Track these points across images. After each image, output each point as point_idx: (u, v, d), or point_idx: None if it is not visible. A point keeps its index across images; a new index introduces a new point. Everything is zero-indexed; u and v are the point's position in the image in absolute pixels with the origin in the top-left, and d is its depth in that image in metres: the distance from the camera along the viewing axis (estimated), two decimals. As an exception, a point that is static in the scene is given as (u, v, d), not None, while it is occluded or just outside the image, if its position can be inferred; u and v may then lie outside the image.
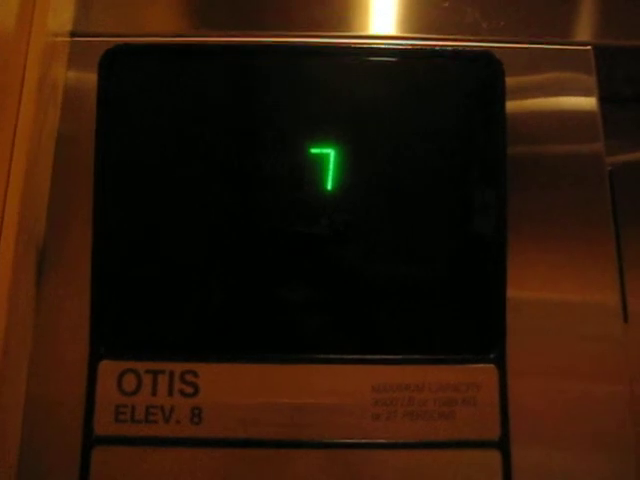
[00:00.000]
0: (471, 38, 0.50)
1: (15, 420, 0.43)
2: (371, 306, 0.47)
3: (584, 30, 0.52)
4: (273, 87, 0.49)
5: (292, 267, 0.47)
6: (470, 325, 0.47)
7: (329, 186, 0.47)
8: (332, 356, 0.45)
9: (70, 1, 0.50)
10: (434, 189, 0.48)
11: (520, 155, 0.48)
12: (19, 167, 0.41)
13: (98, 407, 0.44)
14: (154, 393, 0.44)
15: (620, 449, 0.45)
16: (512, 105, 0.49)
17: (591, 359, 0.46)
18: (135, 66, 0.49)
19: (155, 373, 0.44)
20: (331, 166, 0.47)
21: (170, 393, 0.44)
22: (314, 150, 0.48)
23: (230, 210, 0.47)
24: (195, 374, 0.44)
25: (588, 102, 0.49)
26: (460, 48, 0.50)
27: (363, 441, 0.44)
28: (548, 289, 0.47)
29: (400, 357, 0.45)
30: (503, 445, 0.44)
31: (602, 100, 0.49)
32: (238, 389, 0.44)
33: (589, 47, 0.50)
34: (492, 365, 0.45)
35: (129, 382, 0.44)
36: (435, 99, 0.49)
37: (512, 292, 0.46)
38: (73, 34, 0.49)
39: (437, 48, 0.50)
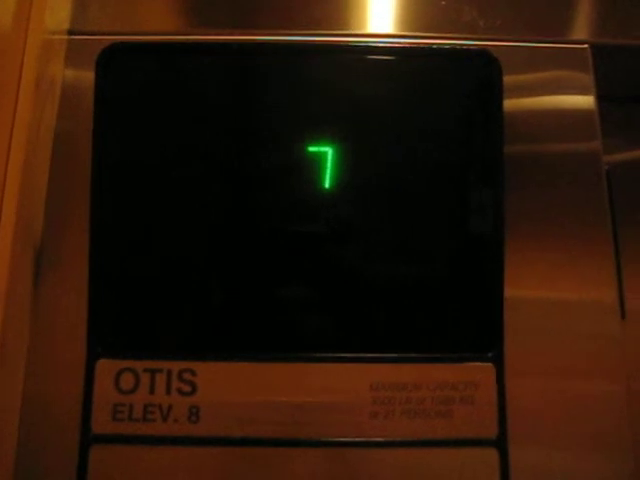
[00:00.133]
0: (468, 36, 0.50)
1: (12, 419, 0.43)
2: (369, 305, 0.47)
3: (581, 28, 0.52)
4: (271, 85, 0.49)
5: (290, 265, 0.47)
6: (468, 324, 0.47)
7: (327, 184, 0.47)
8: (330, 355, 0.45)
9: (67, -1, 0.50)
10: (432, 187, 0.48)
11: (517, 153, 0.48)
12: (16, 165, 0.41)
13: (96, 406, 0.44)
14: (152, 392, 0.44)
15: (617, 447, 0.45)
16: (509, 103, 0.49)
17: (589, 357, 0.46)
18: (132, 64, 0.49)
19: (153, 372, 0.44)
20: (329, 164, 0.47)
21: (168, 392, 0.44)
22: (312, 148, 0.48)
23: (227, 208, 0.47)
24: (193, 373, 0.44)
25: (585, 100, 0.49)
26: (457, 46, 0.50)
27: (361, 439, 0.44)
28: (546, 287, 0.47)
29: (398, 355, 0.45)
30: (501, 443, 0.44)
31: (599, 98, 0.50)
32: (236, 388, 0.44)
33: (586, 45, 0.50)
34: (490, 364, 0.45)
35: (127, 381, 0.44)
36: (433, 97, 0.49)
37: (510, 291, 0.46)
38: (70, 32, 0.49)
39: (435, 46, 0.50)
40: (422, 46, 0.50)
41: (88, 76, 0.48)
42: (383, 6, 0.51)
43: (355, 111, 0.49)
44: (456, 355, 0.46)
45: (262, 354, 0.45)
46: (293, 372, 0.45)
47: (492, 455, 0.44)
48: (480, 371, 0.45)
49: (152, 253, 0.47)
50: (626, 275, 0.49)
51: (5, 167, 0.41)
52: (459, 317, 0.47)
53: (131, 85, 0.48)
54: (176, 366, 0.44)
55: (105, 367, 0.44)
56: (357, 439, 0.44)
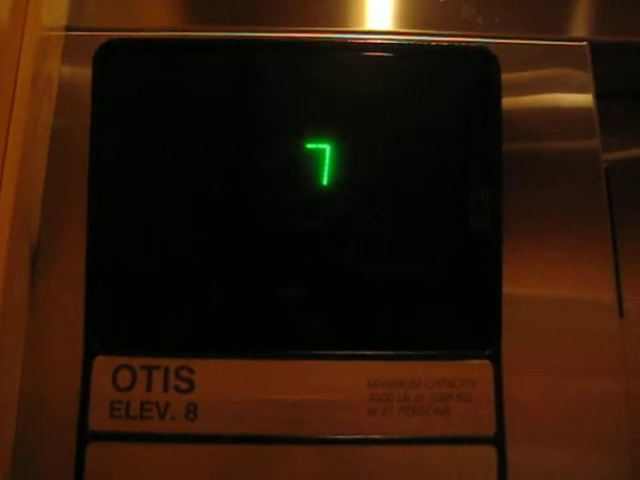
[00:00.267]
0: (467, 34, 0.50)
1: (9, 416, 0.42)
2: (367, 302, 0.47)
3: (580, 26, 0.52)
4: (269, 82, 0.49)
5: (288, 263, 0.47)
6: (466, 321, 0.47)
7: (325, 182, 0.47)
8: (328, 352, 0.45)
9: (64, -5, 0.50)
10: (430, 185, 0.48)
11: (516, 151, 0.48)
12: (13, 162, 0.41)
13: (93, 403, 0.43)
14: (149, 389, 0.44)
15: (616, 446, 0.45)
16: (508, 101, 0.49)
17: (587, 355, 0.46)
18: (130, 61, 0.48)
19: (150, 369, 0.44)
20: (327, 161, 0.47)
21: (165, 389, 0.44)
22: (310, 145, 0.48)
23: (225, 206, 0.47)
24: (190, 370, 0.44)
25: (584, 98, 0.49)
26: (456, 44, 0.50)
27: (358, 437, 0.44)
28: (544, 286, 0.47)
29: (396, 353, 0.45)
30: (498, 441, 0.44)
31: (598, 96, 0.49)
32: (233, 385, 0.44)
33: (585, 43, 0.50)
34: (487, 361, 0.45)
35: (124, 378, 0.44)
36: (431, 95, 0.49)
37: (508, 288, 0.46)
38: (67, 28, 0.49)
39: (433, 44, 0.50)
40: (420, 43, 0.50)
41: (85, 72, 0.48)
42: (381, 3, 0.51)
43: (354, 108, 0.48)
44: (454, 352, 0.46)
45: (260, 351, 0.45)
46: (291, 369, 0.45)
47: (490, 453, 0.44)
48: (478, 369, 0.45)
49: (149, 250, 0.47)
50: (624, 274, 0.49)
51: (2, 164, 0.41)
52: (457, 315, 0.47)
53: (129, 82, 0.48)
54: (173, 363, 0.44)
55: (102, 364, 0.44)
56: (355, 436, 0.44)
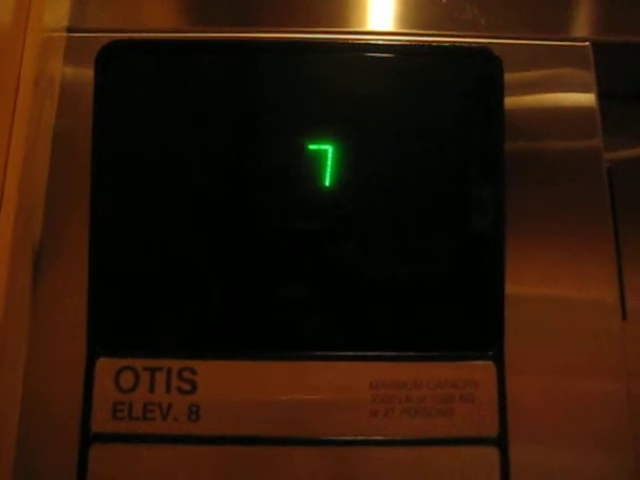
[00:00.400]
0: (469, 34, 0.50)
1: (12, 418, 0.43)
2: (369, 303, 0.47)
3: (582, 26, 0.51)
4: (271, 83, 0.49)
5: (290, 264, 0.47)
6: (468, 322, 0.47)
7: (327, 182, 0.47)
8: (330, 353, 0.45)
9: (66, -4, 0.49)
10: (432, 185, 0.48)
11: (518, 151, 0.48)
12: (16, 163, 0.41)
13: (95, 404, 0.44)
14: (152, 390, 0.44)
15: (618, 446, 0.45)
16: (510, 101, 0.49)
17: (589, 356, 0.46)
18: (132, 62, 0.48)
19: (153, 370, 0.44)
20: (329, 162, 0.47)
21: (168, 390, 0.44)
22: (312, 146, 0.47)
23: (227, 207, 0.47)
24: (193, 371, 0.44)
25: (587, 98, 0.49)
26: (458, 44, 0.50)
27: (361, 438, 0.44)
28: (546, 285, 0.47)
29: (398, 354, 0.45)
30: (501, 442, 0.44)
31: (600, 96, 0.49)
32: (236, 386, 0.44)
33: (587, 43, 0.50)
34: (490, 362, 0.45)
35: (126, 379, 0.44)
36: (433, 95, 0.49)
37: (510, 288, 0.46)
38: (69, 30, 0.49)
39: (435, 44, 0.50)
40: (423, 44, 0.50)
41: (87, 74, 0.48)
42: (384, 3, 0.51)
43: (356, 109, 0.48)
44: (456, 353, 0.46)
45: (262, 352, 0.45)
46: (293, 370, 0.45)
47: (493, 454, 0.44)
48: (480, 369, 0.45)
49: (152, 251, 0.47)
50: (627, 273, 0.49)
51: (4, 165, 0.41)
52: (460, 315, 0.47)
53: (131, 83, 0.48)
54: (176, 365, 0.44)
55: (105, 366, 0.44)
56: (357, 437, 0.44)
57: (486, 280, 0.47)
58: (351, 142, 0.48)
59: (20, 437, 0.43)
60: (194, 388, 0.44)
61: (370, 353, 0.45)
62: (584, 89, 0.50)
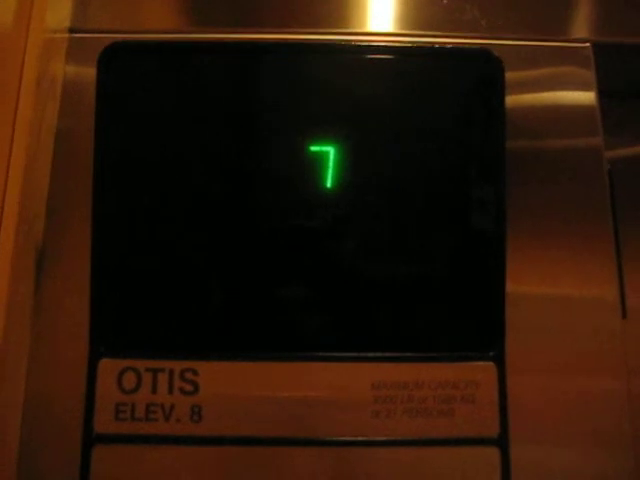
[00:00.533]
0: (470, 35, 0.50)
1: (14, 418, 0.43)
2: (370, 304, 0.47)
3: (583, 27, 0.51)
4: (272, 84, 0.49)
5: (292, 265, 0.47)
6: (469, 322, 0.47)
7: (329, 184, 0.47)
8: (332, 354, 0.45)
9: (68, -3, 0.49)
10: (433, 185, 0.48)
11: (519, 150, 0.48)
12: (18, 163, 0.41)
13: (98, 405, 0.44)
14: (154, 391, 0.44)
15: (618, 445, 0.45)
16: (511, 100, 0.49)
17: (590, 355, 0.46)
18: (134, 63, 0.48)
19: (155, 371, 0.44)
20: (331, 164, 0.47)
21: (170, 391, 0.44)
22: (314, 148, 0.47)
23: (229, 208, 0.47)
24: (195, 372, 0.44)
25: (587, 96, 0.49)
26: (459, 45, 0.50)
27: (363, 439, 0.44)
28: (546, 284, 0.47)
29: (399, 354, 0.45)
30: (502, 442, 0.44)
31: (601, 95, 0.49)
32: (238, 387, 0.44)
33: (588, 44, 0.50)
34: (491, 363, 0.45)
35: (129, 380, 0.44)
36: (434, 96, 0.49)
37: (511, 287, 0.46)
38: (71, 30, 0.49)
39: (436, 45, 0.50)
40: (424, 45, 0.50)
41: (89, 74, 0.48)
42: (384, 5, 0.51)
43: (357, 110, 0.48)
44: (457, 354, 0.46)
45: (264, 353, 0.45)
46: (295, 371, 0.45)
47: (493, 454, 0.44)
48: (481, 370, 0.45)
49: (154, 252, 0.46)
50: (627, 272, 0.49)
51: (7, 166, 0.41)
52: (460, 316, 0.47)
53: (133, 83, 0.48)
54: (178, 365, 0.44)
55: (107, 366, 0.44)
56: (359, 438, 0.44)
57: (487, 280, 0.47)
58: (353, 143, 0.48)
59: (23, 438, 0.43)
60: (196, 389, 0.44)
61: (371, 354, 0.45)
62: (584, 87, 0.50)
